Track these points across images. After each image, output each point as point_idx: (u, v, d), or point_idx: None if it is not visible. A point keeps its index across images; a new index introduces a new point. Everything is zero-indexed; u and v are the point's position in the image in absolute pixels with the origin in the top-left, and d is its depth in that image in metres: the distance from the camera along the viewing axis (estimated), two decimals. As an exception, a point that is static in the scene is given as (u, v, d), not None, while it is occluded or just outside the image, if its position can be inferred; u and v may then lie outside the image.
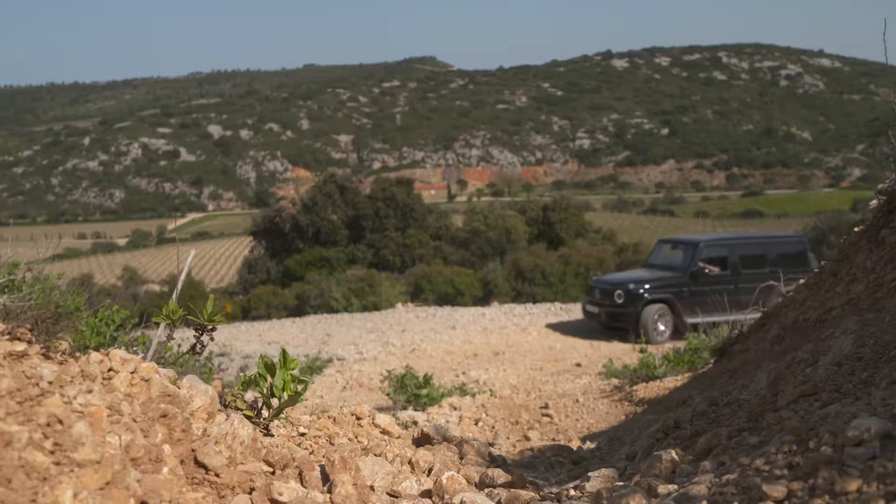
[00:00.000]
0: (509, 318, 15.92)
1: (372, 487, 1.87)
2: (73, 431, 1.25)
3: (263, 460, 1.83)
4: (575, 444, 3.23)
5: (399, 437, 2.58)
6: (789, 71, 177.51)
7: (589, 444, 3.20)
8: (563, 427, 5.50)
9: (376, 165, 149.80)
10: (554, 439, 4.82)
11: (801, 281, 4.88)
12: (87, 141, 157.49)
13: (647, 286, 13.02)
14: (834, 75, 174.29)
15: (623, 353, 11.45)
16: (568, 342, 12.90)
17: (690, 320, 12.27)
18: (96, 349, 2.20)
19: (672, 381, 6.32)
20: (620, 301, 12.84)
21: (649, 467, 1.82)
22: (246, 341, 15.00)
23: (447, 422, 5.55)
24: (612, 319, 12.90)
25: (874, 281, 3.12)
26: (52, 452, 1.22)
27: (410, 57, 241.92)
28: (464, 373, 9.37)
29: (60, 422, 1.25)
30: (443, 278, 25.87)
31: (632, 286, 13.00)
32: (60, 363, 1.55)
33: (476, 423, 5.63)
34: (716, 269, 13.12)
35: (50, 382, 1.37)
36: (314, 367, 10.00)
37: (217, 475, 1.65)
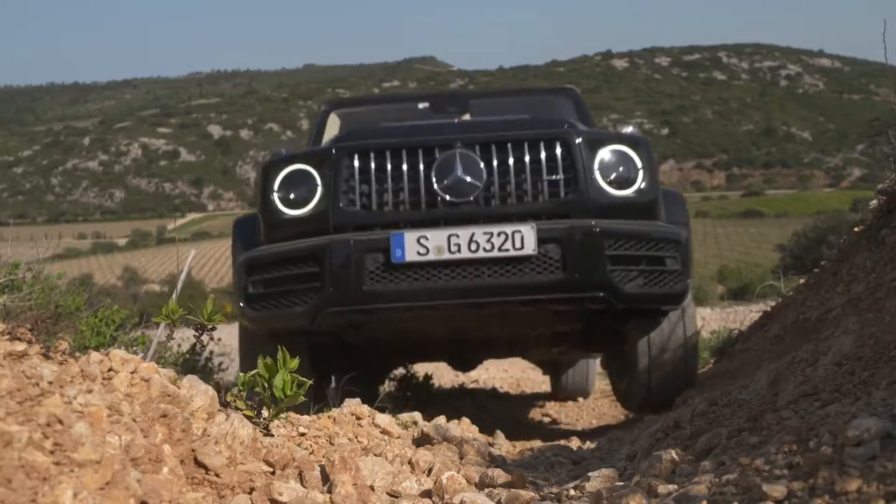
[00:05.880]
0: (509, 318, 15.85)
1: (372, 487, 1.87)
2: (73, 431, 1.26)
3: (263, 460, 1.83)
4: (575, 444, 3.22)
5: (399, 437, 2.58)
6: (789, 71, 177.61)
7: (589, 444, 3.20)
8: (564, 427, 5.50)
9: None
10: (554, 439, 4.82)
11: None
12: (86, 141, 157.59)
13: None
14: (834, 75, 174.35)
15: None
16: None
17: None
18: (96, 349, 2.20)
19: (672, 381, 6.31)
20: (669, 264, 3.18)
21: (649, 467, 1.82)
22: (246, 341, 14.96)
23: (447, 422, 5.54)
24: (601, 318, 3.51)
25: (874, 281, 3.13)
26: (52, 452, 1.22)
27: (410, 57, 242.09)
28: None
29: (60, 422, 1.26)
30: (443, 278, 25.88)
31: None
32: (60, 363, 1.55)
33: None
34: None
35: (50, 382, 1.37)
36: (314, 367, 9.99)
37: (217, 475, 1.65)
